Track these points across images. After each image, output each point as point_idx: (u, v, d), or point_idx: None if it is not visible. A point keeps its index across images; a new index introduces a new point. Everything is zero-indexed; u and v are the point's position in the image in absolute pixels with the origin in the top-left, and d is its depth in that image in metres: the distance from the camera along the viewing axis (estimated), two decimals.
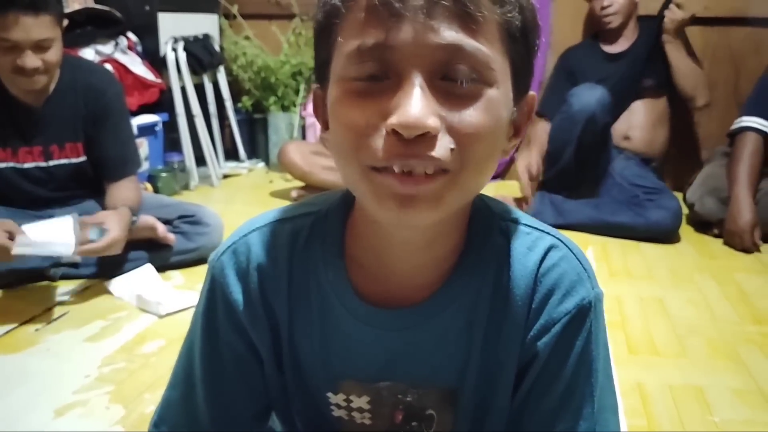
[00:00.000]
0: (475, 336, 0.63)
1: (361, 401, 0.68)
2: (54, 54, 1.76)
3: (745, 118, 2.48)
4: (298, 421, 0.73)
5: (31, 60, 1.71)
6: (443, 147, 0.52)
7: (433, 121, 0.50)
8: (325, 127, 0.61)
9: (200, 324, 0.69)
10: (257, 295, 0.66)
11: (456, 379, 0.65)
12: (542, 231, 0.64)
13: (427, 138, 0.51)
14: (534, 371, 0.63)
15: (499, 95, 0.54)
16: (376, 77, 0.52)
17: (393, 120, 0.50)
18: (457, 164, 0.53)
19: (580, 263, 0.63)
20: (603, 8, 2.74)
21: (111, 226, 1.73)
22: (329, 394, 0.68)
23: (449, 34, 0.51)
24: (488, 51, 0.52)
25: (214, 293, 0.68)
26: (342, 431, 0.71)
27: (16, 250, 1.63)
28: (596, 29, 2.89)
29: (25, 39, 1.69)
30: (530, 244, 0.63)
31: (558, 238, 0.64)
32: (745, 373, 1.47)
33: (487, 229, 0.64)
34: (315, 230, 0.66)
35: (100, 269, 1.93)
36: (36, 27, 1.68)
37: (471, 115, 0.52)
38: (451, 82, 0.52)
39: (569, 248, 0.63)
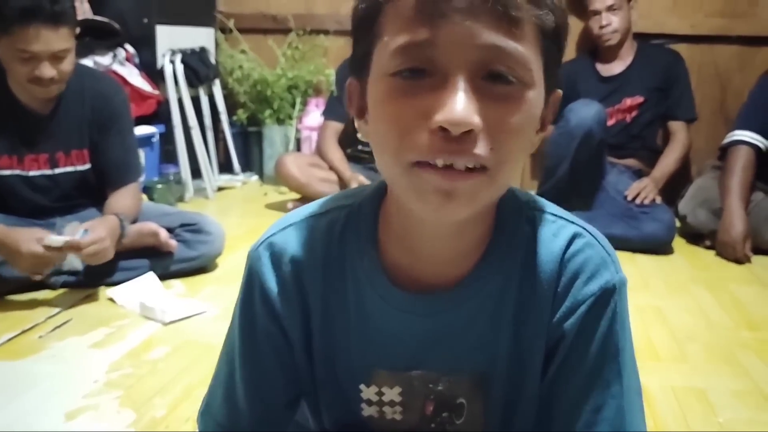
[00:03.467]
0: (504, 321, 0.66)
1: (392, 393, 0.69)
2: (68, 64, 1.79)
3: (737, 132, 2.54)
4: (326, 418, 0.74)
5: (48, 70, 1.74)
6: (484, 145, 0.54)
7: (477, 120, 0.53)
8: (359, 115, 0.63)
9: (239, 312, 0.72)
10: (292, 285, 0.68)
11: (486, 365, 0.67)
12: (567, 220, 0.67)
13: (470, 135, 0.53)
14: (561, 353, 0.65)
15: (535, 95, 0.57)
16: (419, 73, 0.55)
17: (439, 117, 0.53)
18: (495, 162, 0.55)
19: (604, 249, 0.65)
20: (602, 27, 2.76)
21: (95, 230, 1.77)
22: (362, 386, 0.70)
23: (491, 35, 0.53)
24: (526, 52, 0.55)
25: (251, 282, 0.70)
26: (371, 430, 0.72)
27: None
28: (593, 46, 2.92)
29: (45, 51, 1.72)
30: (556, 231, 0.66)
31: (582, 227, 0.67)
32: (745, 375, 1.51)
33: (515, 217, 0.66)
34: (349, 222, 0.69)
35: (87, 277, 1.92)
36: (55, 39, 1.72)
37: (511, 116, 0.55)
38: (492, 82, 0.55)
39: (593, 236, 0.66)
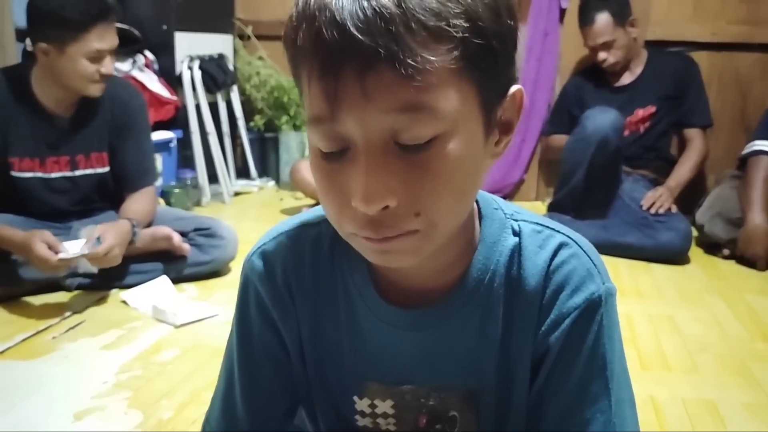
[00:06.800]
0: (491, 334, 0.65)
1: (385, 406, 0.69)
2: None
3: (757, 141, 2.50)
4: (323, 427, 0.74)
5: (111, 66, 1.87)
6: (407, 215, 0.53)
7: (388, 198, 0.52)
8: None
9: (236, 322, 0.72)
10: (286, 293, 0.69)
11: (475, 379, 0.67)
12: (553, 229, 0.65)
13: (389, 210, 0.52)
14: (547, 366, 0.64)
15: (458, 140, 0.53)
16: (337, 152, 0.53)
17: (354, 203, 0.52)
18: (425, 224, 0.54)
19: (591, 260, 0.64)
20: (601, 62, 2.73)
21: (106, 238, 1.78)
22: (355, 398, 0.70)
23: (390, 98, 0.49)
24: (437, 98, 0.50)
25: (246, 290, 0.71)
26: None
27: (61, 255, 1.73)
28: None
29: (110, 47, 1.85)
30: (541, 242, 0.64)
31: (568, 236, 0.65)
32: (756, 388, 1.49)
33: (499, 229, 0.66)
34: (339, 235, 0.69)
35: (102, 279, 1.94)
36: (114, 36, 1.86)
37: (431, 180, 0.52)
38: (404, 149, 0.52)
39: (579, 245, 0.64)
